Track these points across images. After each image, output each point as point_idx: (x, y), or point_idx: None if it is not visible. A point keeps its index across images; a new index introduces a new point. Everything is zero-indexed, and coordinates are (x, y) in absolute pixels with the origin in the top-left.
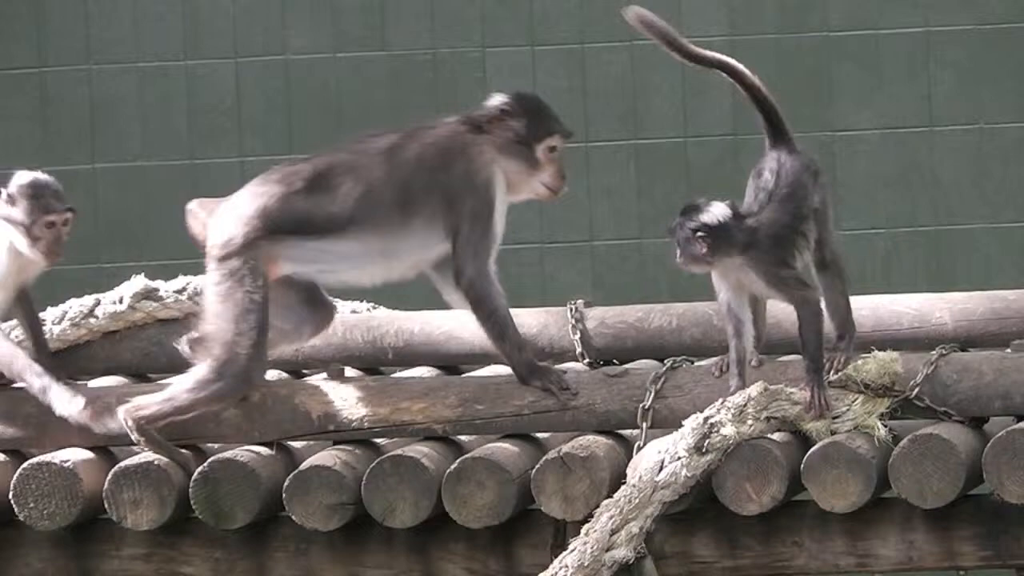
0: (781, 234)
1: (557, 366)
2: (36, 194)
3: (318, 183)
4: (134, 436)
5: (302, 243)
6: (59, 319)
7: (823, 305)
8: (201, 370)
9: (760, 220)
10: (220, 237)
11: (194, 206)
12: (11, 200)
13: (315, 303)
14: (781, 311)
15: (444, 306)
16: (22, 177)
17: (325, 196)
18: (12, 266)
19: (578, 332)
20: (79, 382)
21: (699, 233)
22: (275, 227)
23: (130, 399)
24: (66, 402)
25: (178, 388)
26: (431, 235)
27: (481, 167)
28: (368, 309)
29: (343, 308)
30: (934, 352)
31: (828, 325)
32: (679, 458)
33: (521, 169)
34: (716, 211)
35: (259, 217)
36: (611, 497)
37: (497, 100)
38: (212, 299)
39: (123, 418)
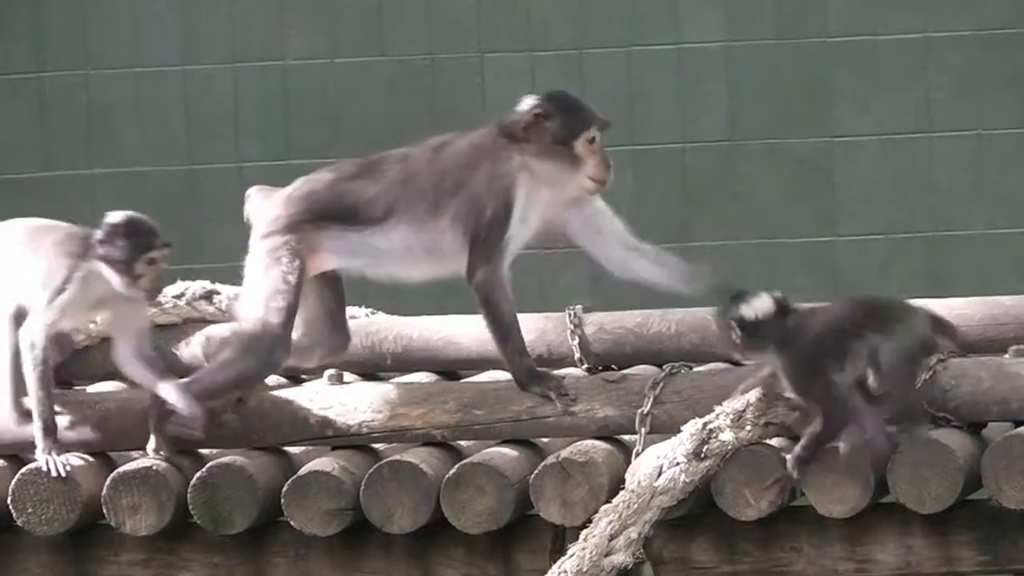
0: (825, 340)
1: (556, 371)
2: (134, 232)
3: (366, 171)
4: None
5: (345, 234)
6: None
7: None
8: (227, 352)
9: (805, 321)
10: (267, 216)
11: (253, 192)
12: (108, 240)
13: (336, 328)
14: None
15: (442, 312)
16: (115, 216)
17: (369, 182)
18: (85, 298)
19: (577, 337)
20: (78, 388)
21: (733, 324)
22: (320, 211)
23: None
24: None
25: (204, 372)
26: (456, 237)
27: (505, 173)
28: (367, 315)
29: None
30: (932, 358)
31: None
32: (678, 464)
33: (563, 169)
34: (757, 304)
35: (305, 199)
36: (610, 502)
37: (528, 104)
38: (248, 275)
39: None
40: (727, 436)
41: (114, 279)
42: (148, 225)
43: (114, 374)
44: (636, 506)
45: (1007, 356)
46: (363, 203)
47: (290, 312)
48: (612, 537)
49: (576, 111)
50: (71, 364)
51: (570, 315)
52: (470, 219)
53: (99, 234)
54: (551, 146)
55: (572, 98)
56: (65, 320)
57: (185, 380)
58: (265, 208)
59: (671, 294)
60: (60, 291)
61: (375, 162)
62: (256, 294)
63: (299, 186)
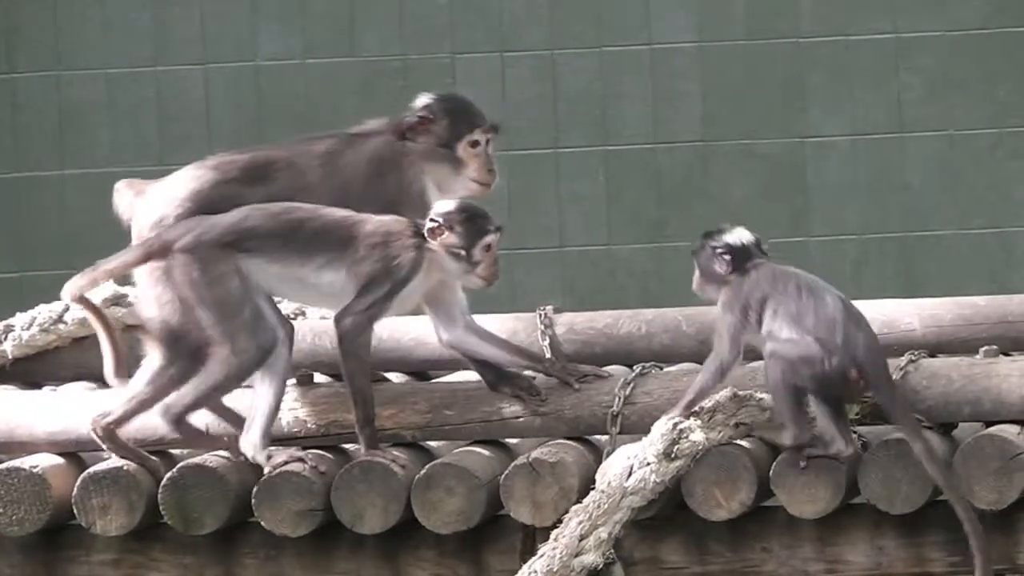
0: (759, 297)
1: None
2: (470, 218)
3: (254, 175)
4: (105, 445)
5: None
6: (28, 325)
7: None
8: (152, 362)
9: (761, 269)
10: (150, 217)
11: (122, 186)
12: (446, 227)
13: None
14: None
15: (413, 312)
16: (446, 204)
17: (260, 189)
18: (422, 289)
19: (547, 338)
20: (50, 387)
21: (720, 251)
22: (206, 212)
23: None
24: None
25: (136, 386)
26: None
27: (414, 178)
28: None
29: (312, 314)
30: (903, 358)
31: None
32: (648, 464)
33: (447, 171)
34: (738, 233)
35: (192, 200)
36: (580, 503)
37: (419, 104)
38: (147, 280)
39: (90, 428)
40: (698, 436)
41: (452, 267)
42: (482, 211)
43: (85, 375)
44: (606, 506)
45: (978, 357)
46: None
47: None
48: (582, 537)
49: (460, 114)
50: (43, 366)
51: (541, 315)
52: None
53: (431, 223)
54: (436, 148)
55: (460, 100)
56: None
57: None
58: (146, 207)
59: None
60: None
61: (260, 166)
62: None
63: (181, 184)
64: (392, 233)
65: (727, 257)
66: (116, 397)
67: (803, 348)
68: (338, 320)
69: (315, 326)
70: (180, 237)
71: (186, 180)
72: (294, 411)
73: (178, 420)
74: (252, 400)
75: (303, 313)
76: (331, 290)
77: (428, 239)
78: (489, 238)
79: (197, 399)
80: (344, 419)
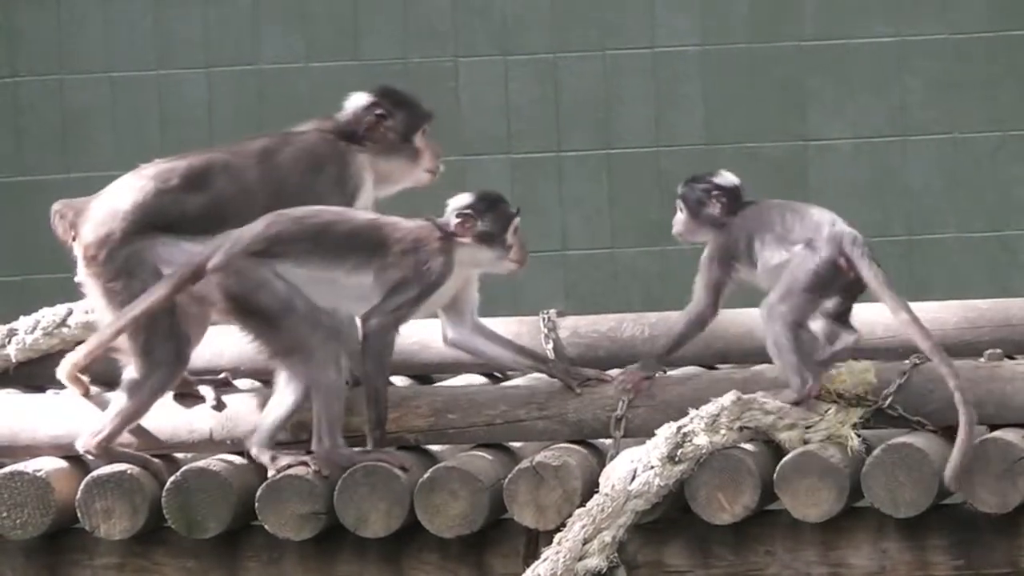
0: (746, 235)
1: (531, 376)
2: (495, 204)
3: (193, 181)
4: (103, 460)
5: (178, 244)
6: (31, 328)
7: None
8: (131, 373)
9: (746, 209)
10: (95, 235)
11: (60, 207)
12: (476, 217)
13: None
14: (752, 320)
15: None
16: (465, 197)
17: (200, 194)
18: (451, 290)
19: (551, 341)
20: (53, 390)
21: (715, 193)
22: (151, 223)
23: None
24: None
25: (120, 400)
26: None
27: (352, 175)
28: None
29: None
30: (907, 362)
31: None
32: (652, 467)
33: (404, 164)
34: (727, 176)
35: (136, 211)
36: (584, 506)
37: (363, 104)
38: (110, 300)
39: (84, 450)
40: (701, 440)
41: (485, 256)
42: (500, 195)
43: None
44: (610, 510)
45: (982, 360)
46: (193, 214)
47: (171, 309)
48: (586, 541)
49: (412, 106)
50: (46, 369)
51: (544, 319)
52: None
53: (460, 217)
54: (394, 144)
55: (404, 93)
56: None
57: (108, 415)
58: (91, 226)
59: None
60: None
61: (199, 171)
62: (128, 309)
63: (122, 197)
64: (421, 239)
65: (723, 199)
66: (101, 415)
67: (795, 263)
68: (365, 319)
69: None
70: (208, 259)
71: (127, 192)
72: (297, 415)
73: (334, 449)
74: (273, 398)
75: None
76: (361, 292)
77: (458, 235)
78: (516, 220)
79: (331, 419)
80: (348, 422)
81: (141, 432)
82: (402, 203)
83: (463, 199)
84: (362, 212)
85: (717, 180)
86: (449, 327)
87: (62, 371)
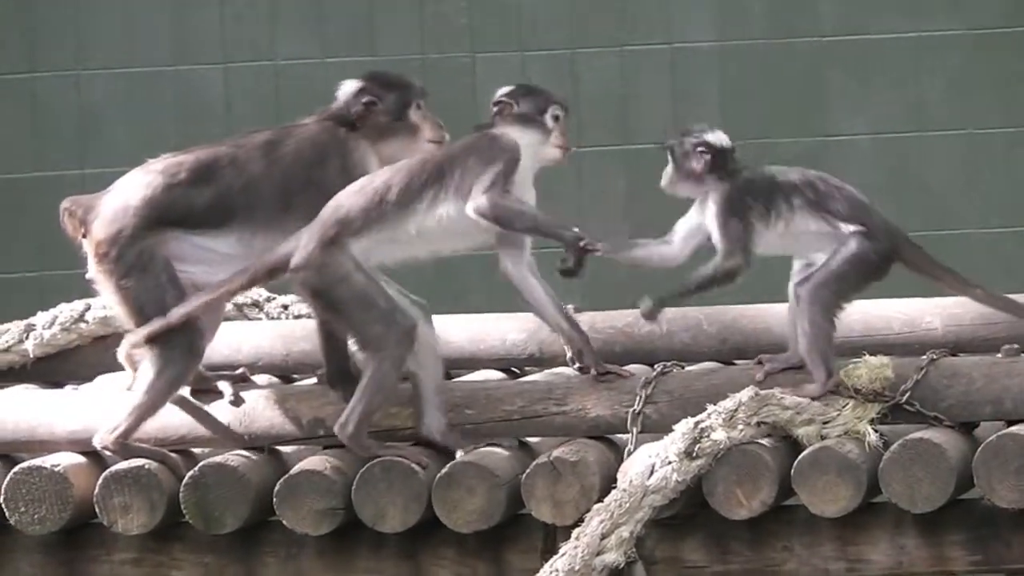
0: (762, 190)
1: (548, 371)
2: (532, 90)
3: (201, 175)
4: (120, 456)
5: (187, 238)
6: (49, 324)
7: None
8: (146, 369)
9: (756, 171)
10: (106, 232)
11: (69, 204)
12: (512, 101)
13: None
14: (770, 315)
15: (433, 311)
16: (502, 89)
17: (207, 188)
18: (530, 173)
19: None
20: (71, 386)
21: (700, 149)
22: (161, 219)
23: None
24: None
25: (136, 396)
26: None
27: (356, 162)
28: None
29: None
30: (924, 357)
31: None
32: (669, 463)
33: (404, 142)
34: (719, 135)
35: (146, 207)
36: (601, 502)
37: (352, 91)
38: (123, 296)
39: (101, 447)
40: (719, 435)
41: (527, 139)
42: (540, 87)
43: (106, 374)
44: (628, 505)
45: (999, 355)
46: (200, 208)
47: (183, 303)
48: (604, 536)
49: (400, 85)
50: (64, 365)
51: None
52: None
53: (499, 103)
54: (389, 125)
55: (391, 74)
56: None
57: (125, 411)
58: (102, 223)
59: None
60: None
61: (205, 165)
62: (143, 305)
63: (132, 193)
64: (472, 141)
65: (706, 156)
66: (117, 411)
67: (848, 248)
68: (476, 207)
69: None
70: (289, 255)
71: (136, 189)
72: (315, 410)
73: (358, 436)
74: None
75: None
76: (450, 223)
77: (499, 120)
78: (555, 105)
79: (367, 409)
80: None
81: (160, 427)
82: None
83: (501, 89)
84: (406, 161)
85: (707, 137)
86: (507, 259)
87: (122, 351)
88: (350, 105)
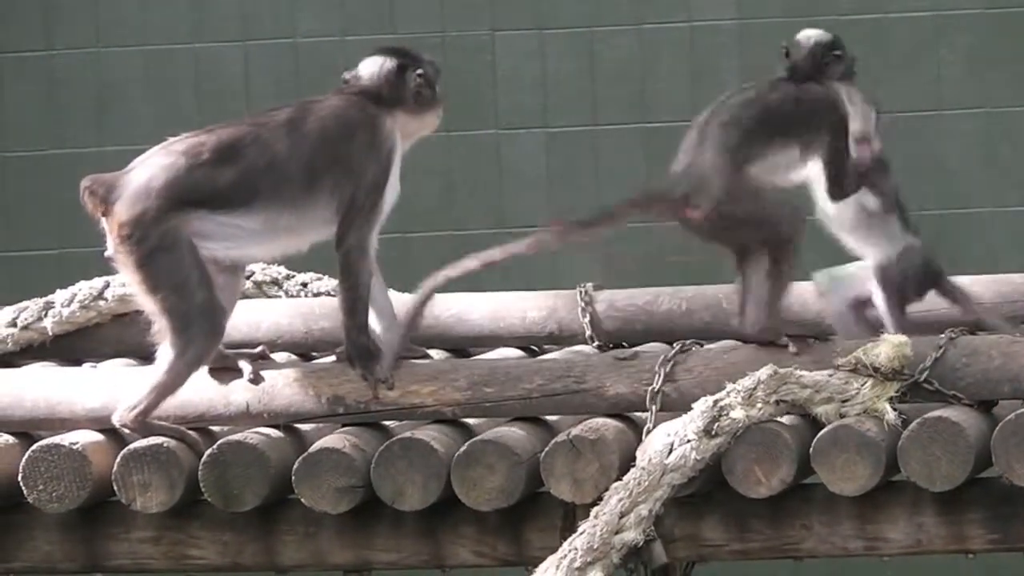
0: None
1: (567, 349)
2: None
3: (224, 155)
4: (139, 434)
5: (211, 216)
6: (69, 301)
7: None
8: (168, 347)
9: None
10: (130, 213)
11: (89, 183)
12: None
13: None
14: (792, 297)
15: (452, 289)
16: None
17: (231, 168)
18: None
19: (588, 315)
20: (90, 364)
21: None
22: (184, 199)
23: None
24: None
25: (157, 373)
26: (331, 210)
27: (385, 138)
28: None
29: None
30: (943, 336)
31: None
32: (688, 441)
33: (429, 117)
34: None
35: (168, 188)
36: (620, 480)
37: (392, 66)
38: (145, 276)
39: (120, 425)
40: (738, 414)
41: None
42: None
43: (126, 352)
44: (647, 483)
45: (1018, 334)
46: (224, 188)
47: (206, 283)
48: (623, 515)
49: (427, 60)
50: (83, 342)
51: (581, 293)
52: (347, 190)
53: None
54: (428, 99)
55: (412, 50)
56: None
57: (145, 389)
58: (125, 204)
59: None
60: None
61: (228, 145)
62: (166, 290)
63: (155, 175)
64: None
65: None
66: (136, 389)
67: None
68: None
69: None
70: (669, 191)
71: (159, 169)
72: (334, 388)
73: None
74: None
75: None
76: None
77: None
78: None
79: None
80: (384, 395)
81: (179, 405)
82: None
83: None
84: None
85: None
86: None
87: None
88: (390, 81)
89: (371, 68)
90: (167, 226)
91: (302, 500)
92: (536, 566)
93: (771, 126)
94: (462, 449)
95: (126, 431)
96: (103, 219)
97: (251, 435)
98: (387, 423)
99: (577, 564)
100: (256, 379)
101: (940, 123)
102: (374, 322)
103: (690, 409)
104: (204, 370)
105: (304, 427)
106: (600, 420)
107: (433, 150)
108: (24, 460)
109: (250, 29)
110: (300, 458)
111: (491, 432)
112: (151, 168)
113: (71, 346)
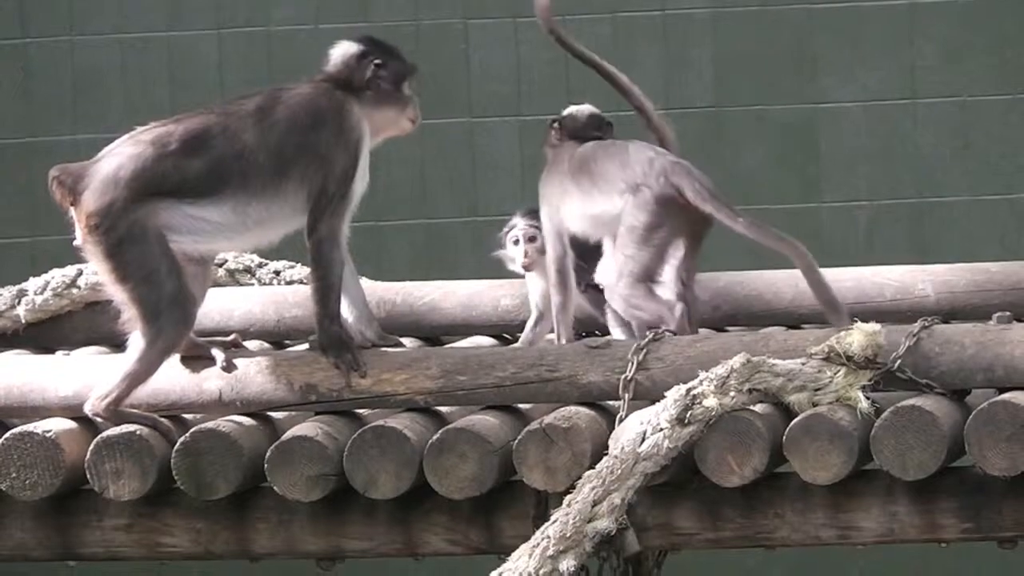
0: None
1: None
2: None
3: (192, 144)
4: (111, 423)
5: (179, 207)
6: (41, 289)
7: None
8: (139, 336)
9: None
10: (97, 203)
11: (57, 173)
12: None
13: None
14: (763, 283)
15: (425, 277)
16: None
17: (199, 158)
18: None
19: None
20: (63, 351)
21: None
22: (152, 189)
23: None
24: None
25: (128, 362)
26: (301, 200)
27: (353, 126)
28: None
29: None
30: (916, 324)
31: None
32: (661, 429)
33: (394, 113)
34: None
35: (136, 178)
36: (593, 468)
37: (355, 52)
38: (114, 267)
39: (92, 413)
40: (711, 402)
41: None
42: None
43: (98, 340)
44: (619, 472)
45: (991, 323)
46: (192, 177)
47: (176, 272)
48: (595, 503)
49: (398, 55)
50: (56, 330)
51: None
52: (316, 179)
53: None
54: (387, 92)
55: (386, 42)
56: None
57: (116, 377)
58: (92, 195)
59: None
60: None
61: (196, 135)
62: (135, 280)
63: (123, 165)
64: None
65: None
66: (108, 377)
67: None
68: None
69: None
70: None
71: (127, 159)
72: (307, 376)
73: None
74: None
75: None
76: None
77: None
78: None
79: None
80: (357, 383)
81: (152, 393)
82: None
83: None
84: None
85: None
86: None
87: None
88: (352, 67)
89: (337, 53)
90: (135, 216)
91: (275, 488)
92: (509, 554)
93: None
94: (435, 437)
95: (98, 419)
96: (71, 209)
97: (224, 423)
98: (360, 411)
99: (550, 552)
100: (229, 367)
101: (915, 112)
102: (346, 311)
103: (663, 397)
104: (176, 358)
105: (277, 415)
106: (573, 408)
107: (406, 139)
108: None
109: (224, 17)
110: (273, 446)
111: (464, 420)
112: (119, 158)
113: (44, 334)
